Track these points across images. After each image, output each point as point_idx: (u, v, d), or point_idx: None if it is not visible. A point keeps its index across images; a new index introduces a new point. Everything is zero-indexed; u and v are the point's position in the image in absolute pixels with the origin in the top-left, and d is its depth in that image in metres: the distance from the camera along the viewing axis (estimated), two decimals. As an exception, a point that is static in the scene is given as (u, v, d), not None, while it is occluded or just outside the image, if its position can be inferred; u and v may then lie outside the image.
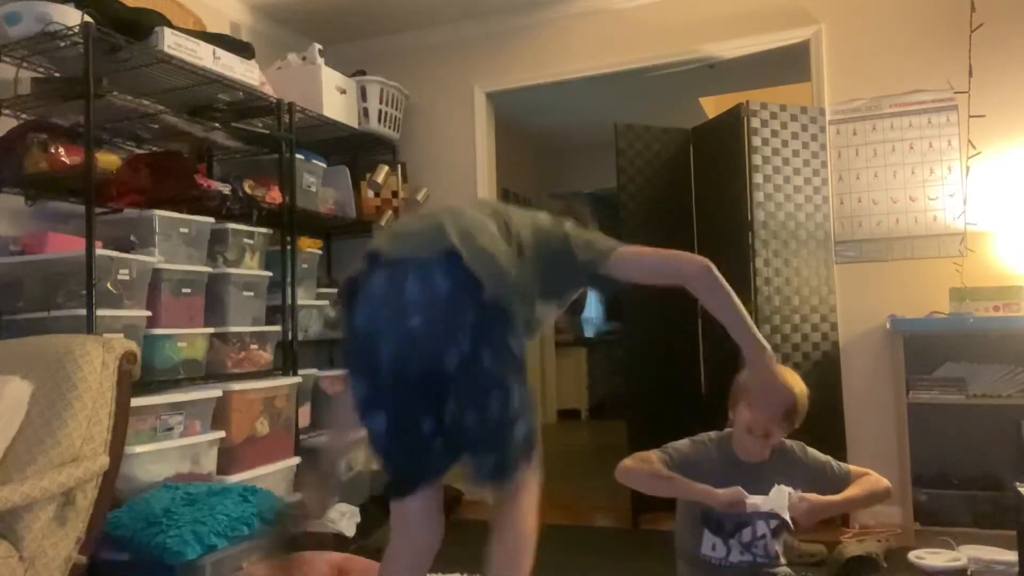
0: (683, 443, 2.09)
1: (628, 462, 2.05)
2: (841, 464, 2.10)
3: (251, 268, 3.23)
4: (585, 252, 1.63)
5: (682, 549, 2.08)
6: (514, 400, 1.50)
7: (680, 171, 3.86)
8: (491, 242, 1.49)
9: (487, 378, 1.47)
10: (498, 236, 1.52)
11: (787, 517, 1.86)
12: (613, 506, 3.91)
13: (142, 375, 2.39)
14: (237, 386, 2.97)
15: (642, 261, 1.71)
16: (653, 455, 2.05)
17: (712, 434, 2.10)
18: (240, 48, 3.15)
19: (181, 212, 2.89)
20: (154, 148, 3.25)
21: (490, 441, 1.54)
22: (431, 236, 1.48)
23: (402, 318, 1.45)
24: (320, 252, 3.81)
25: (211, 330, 3.01)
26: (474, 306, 1.44)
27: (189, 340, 2.91)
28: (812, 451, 2.09)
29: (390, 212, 3.75)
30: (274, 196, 3.38)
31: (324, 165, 3.81)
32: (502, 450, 1.57)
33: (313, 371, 3.67)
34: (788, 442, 2.08)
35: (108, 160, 2.81)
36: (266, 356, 3.28)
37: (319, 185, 3.78)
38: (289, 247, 3.40)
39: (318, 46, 3.77)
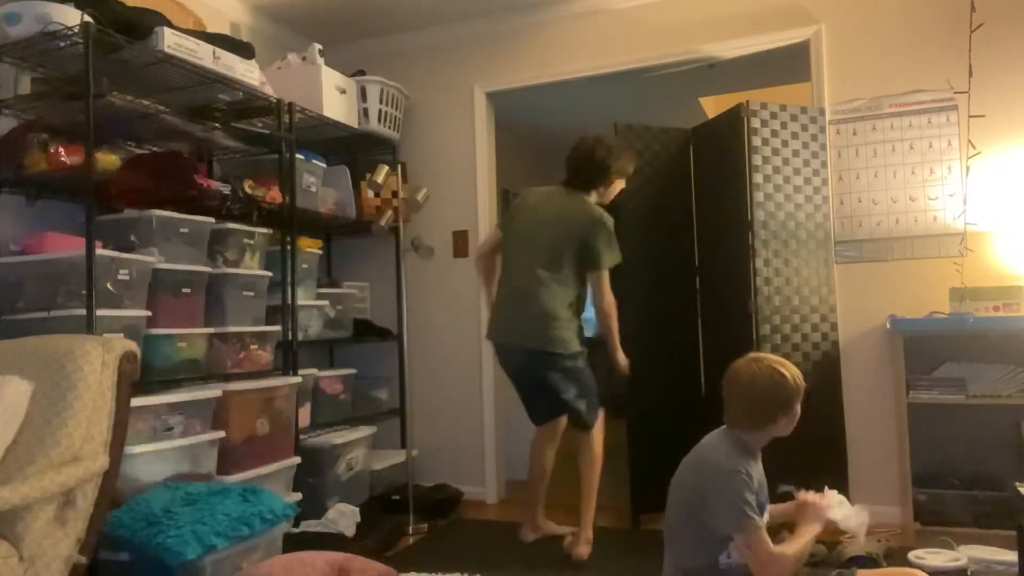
0: (743, 485, 1.86)
1: (777, 570, 1.84)
2: None
3: (251, 268, 3.23)
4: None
5: (691, 568, 2.01)
6: (575, 391, 3.14)
7: (680, 171, 3.86)
8: (566, 335, 3.13)
9: (563, 383, 3.13)
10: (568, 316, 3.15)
11: (863, 534, 1.90)
12: (613, 506, 3.91)
13: (142, 375, 2.39)
14: (237, 386, 2.97)
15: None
16: (763, 535, 1.85)
17: (738, 459, 1.93)
18: (240, 48, 3.15)
19: (181, 212, 2.90)
20: (154, 148, 3.25)
21: (571, 407, 3.15)
22: (535, 334, 3.08)
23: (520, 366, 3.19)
24: (320, 252, 3.82)
25: (211, 330, 3.01)
26: (557, 360, 3.09)
27: (189, 340, 2.92)
28: None
29: (390, 212, 3.75)
30: (274, 196, 3.38)
31: (324, 165, 3.81)
32: (579, 413, 3.16)
33: (313, 371, 3.68)
34: None
35: (108, 160, 2.81)
36: (266, 356, 3.28)
37: (319, 185, 3.78)
38: (289, 247, 3.40)
39: (318, 46, 3.77)
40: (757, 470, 1.96)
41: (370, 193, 3.90)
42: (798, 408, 1.95)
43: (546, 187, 3.30)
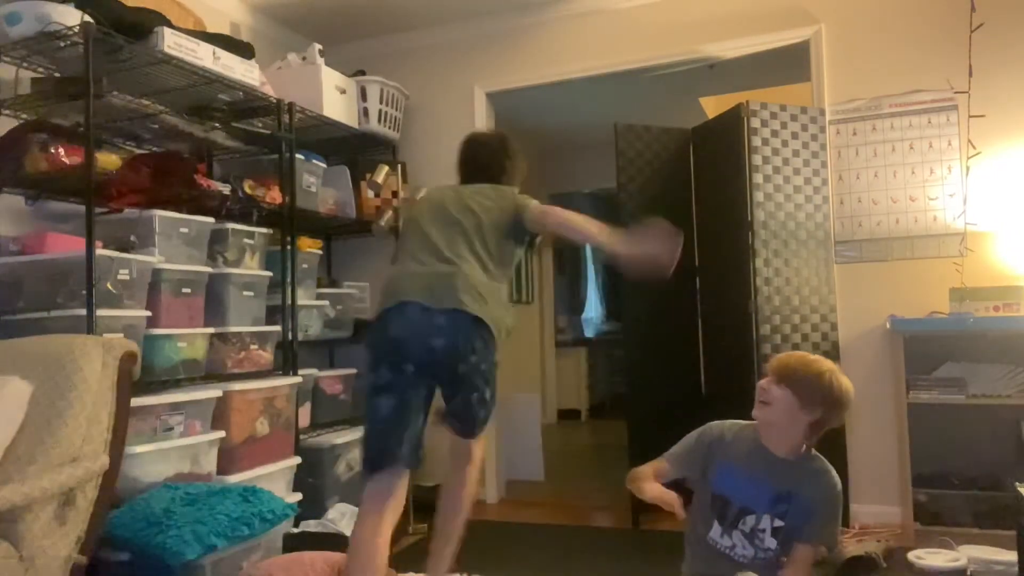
0: (696, 434, 2.10)
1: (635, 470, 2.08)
2: (839, 533, 2.04)
3: (251, 268, 3.23)
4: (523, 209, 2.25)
5: (692, 531, 2.08)
6: (490, 392, 2.14)
7: (680, 171, 3.86)
8: (484, 295, 2.08)
9: (479, 377, 2.10)
10: (486, 282, 2.11)
11: None
12: (613, 506, 3.92)
13: (142, 375, 2.39)
14: (237, 386, 2.97)
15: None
16: (659, 461, 2.09)
17: (726, 424, 2.11)
18: (240, 48, 3.15)
19: (181, 212, 2.89)
20: (154, 148, 3.25)
21: (471, 413, 2.16)
22: (448, 292, 2.04)
23: (429, 337, 2.04)
24: (320, 252, 3.81)
25: (211, 330, 3.01)
26: (474, 334, 2.05)
27: (189, 340, 2.91)
28: (837, 492, 1.99)
29: (390, 212, 3.74)
30: (274, 196, 3.38)
31: (324, 165, 3.81)
32: (478, 420, 2.18)
33: (313, 371, 3.67)
34: (825, 461, 2.00)
35: (108, 160, 2.81)
36: (266, 356, 3.28)
37: (319, 185, 3.78)
38: (289, 247, 3.40)
39: (318, 46, 3.77)
40: (743, 458, 1.99)
41: (370, 193, 3.90)
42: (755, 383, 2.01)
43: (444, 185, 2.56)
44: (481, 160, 2.47)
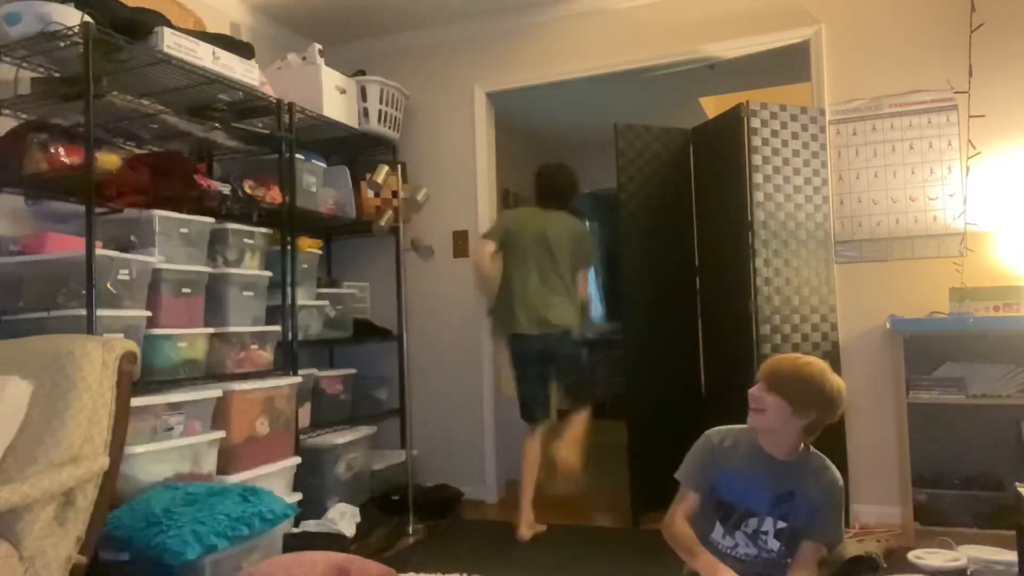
0: (697, 448, 2.07)
1: (665, 533, 2.02)
2: (843, 529, 2.02)
3: (251, 268, 3.23)
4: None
5: (694, 531, 2.07)
6: (581, 373, 3.74)
7: (680, 171, 3.86)
8: (572, 312, 3.59)
9: (573, 363, 3.65)
10: (570, 303, 3.60)
11: None
12: (613, 506, 3.92)
13: (142, 375, 2.39)
14: (237, 386, 2.97)
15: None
16: (681, 500, 2.03)
17: (722, 431, 2.09)
18: (240, 48, 3.15)
19: (181, 212, 2.89)
20: (154, 148, 3.25)
21: (574, 384, 3.66)
22: (554, 318, 3.52)
23: (544, 347, 3.54)
24: (320, 252, 3.81)
25: (211, 330, 3.01)
26: (568, 338, 3.58)
27: (189, 340, 2.91)
28: (839, 488, 1.99)
29: (390, 212, 3.74)
30: (274, 196, 3.38)
31: (324, 165, 3.81)
32: (578, 387, 3.67)
33: (313, 371, 3.68)
34: (824, 459, 2.01)
35: (108, 160, 2.81)
36: (266, 356, 3.28)
37: (319, 185, 3.78)
38: (289, 247, 3.40)
39: (318, 46, 3.77)
40: (743, 463, 1.98)
41: (370, 193, 3.90)
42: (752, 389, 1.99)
43: (532, 208, 3.74)
44: (561, 189, 3.68)
